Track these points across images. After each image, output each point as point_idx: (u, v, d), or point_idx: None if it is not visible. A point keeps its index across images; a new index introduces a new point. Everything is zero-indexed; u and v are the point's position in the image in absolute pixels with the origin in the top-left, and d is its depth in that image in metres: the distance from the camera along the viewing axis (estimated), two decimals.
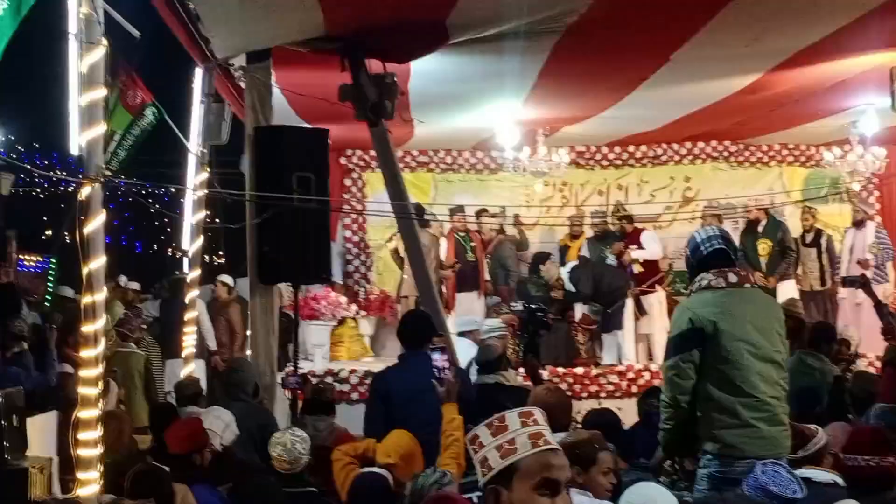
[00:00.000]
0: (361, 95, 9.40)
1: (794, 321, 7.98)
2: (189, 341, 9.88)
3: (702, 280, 5.37)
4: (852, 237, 14.40)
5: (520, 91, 11.33)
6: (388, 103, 9.44)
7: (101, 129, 5.87)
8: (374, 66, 9.58)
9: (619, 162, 16.02)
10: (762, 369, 5.22)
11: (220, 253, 23.01)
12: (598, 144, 15.71)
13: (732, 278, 5.33)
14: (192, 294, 9.93)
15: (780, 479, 4.31)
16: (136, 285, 14.06)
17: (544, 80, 10.71)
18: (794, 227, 14.77)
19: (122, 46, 7.86)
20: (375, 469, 5.78)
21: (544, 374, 10.93)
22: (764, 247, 13.90)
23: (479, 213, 14.77)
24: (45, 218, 20.23)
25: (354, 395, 11.96)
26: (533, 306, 8.80)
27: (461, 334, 10.43)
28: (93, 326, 5.73)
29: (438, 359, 6.44)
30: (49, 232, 19.25)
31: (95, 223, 5.76)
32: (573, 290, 12.92)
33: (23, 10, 4.87)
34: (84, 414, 5.65)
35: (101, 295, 5.78)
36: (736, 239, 12.89)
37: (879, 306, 10.00)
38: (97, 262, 5.77)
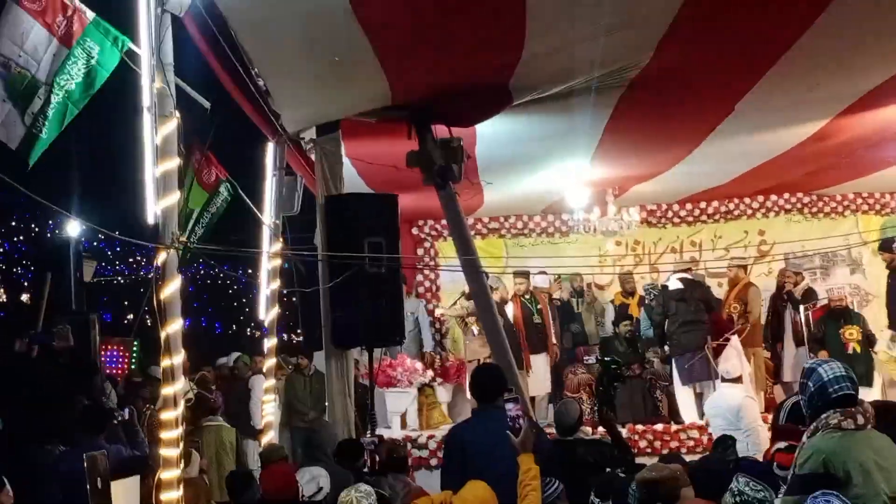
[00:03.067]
0: (429, 160, 9.59)
1: None
2: (269, 409, 10.00)
3: (829, 418, 5.26)
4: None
5: (586, 149, 11.41)
6: (454, 166, 9.61)
7: (175, 197, 6.08)
8: (441, 131, 9.78)
9: (690, 219, 15.99)
10: None
11: (298, 331, 23.20)
12: (668, 202, 15.72)
13: (860, 420, 5.24)
14: (269, 363, 10.08)
15: None
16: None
17: (609, 137, 10.79)
18: (876, 275, 14.55)
19: (195, 123, 8.13)
20: None
21: (623, 431, 10.83)
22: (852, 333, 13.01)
23: (517, 275, 14.65)
24: (126, 303, 20.73)
25: (433, 461, 11.94)
26: (607, 359, 8.72)
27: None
28: (171, 389, 5.88)
29: (512, 408, 6.45)
30: (131, 317, 19.66)
31: (172, 287, 5.93)
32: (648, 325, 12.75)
33: (96, 83, 5.10)
34: (166, 475, 5.76)
35: (178, 358, 5.94)
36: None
37: None
38: (174, 326, 5.94)
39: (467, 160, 9.77)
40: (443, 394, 14.62)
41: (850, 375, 5.30)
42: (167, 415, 5.86)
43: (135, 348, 14.38)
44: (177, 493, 5.72)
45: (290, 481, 6.29)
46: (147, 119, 6.01)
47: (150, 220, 6.08)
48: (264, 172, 10.13)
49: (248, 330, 22.14)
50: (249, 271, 21.32)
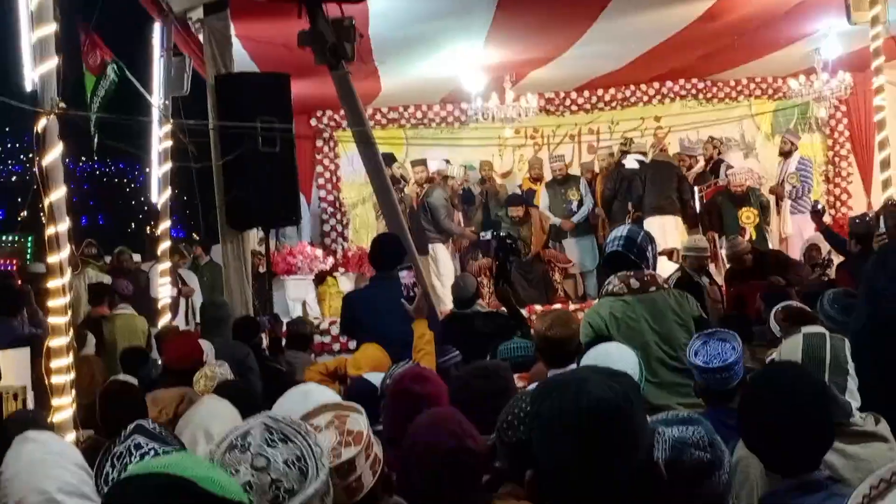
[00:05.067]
0: (320, 39, 9.45)
1: None
2: (163, 293, 9.94)
3: (609, 284, 5.47)
4: (780, 167, 14.61)
5: (480, 29, 11.34)
6: (347, 45, 9.48)
7: (53, 62, 5.91)
8: (332, 11, 9.62)
9: (588, 106, 16.08)
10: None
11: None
12: (566, 90, 15.77)
13: (635, 284, 5.41)
14: (164, 246, 9.98)
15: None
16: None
17: (501, 16, 10.74)
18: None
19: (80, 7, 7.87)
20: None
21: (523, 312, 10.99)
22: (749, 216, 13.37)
23: (415, 164, 14.73)
24: (18, 199, 20.26)
25: (336, 346, 12.01)
26: (502, 234, 8.83)
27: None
28: (57, 257, 5.79)
29: (406, 275, 6.54)
30: (25, 213, 19.21)
31: (53, 154, 5.81)
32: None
33: None
34: (55, 342, 5.71)
35: (63, 226, 5.84)
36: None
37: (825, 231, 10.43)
38: (58, 194, 5.83)
39: (360, 39, 9.64)
40: (345, 283, 14.67)
41: (629, 237, 5.48)
42: (54, 282, 5.78)
43: (29, 242, 14.14)
44: (67, 360, 5.67)
45: (195, 347, 6.26)
46: None
47: (28, 86, 5.92)
48: (151, 54, 9.89)
49: (148, 228, 21.80)
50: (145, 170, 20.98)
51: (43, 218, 5.81)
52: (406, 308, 6.33)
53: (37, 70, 5.87)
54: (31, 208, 18.32)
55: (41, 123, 5.78)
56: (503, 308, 8.85)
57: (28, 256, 13.95)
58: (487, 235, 9.95)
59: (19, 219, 19.53)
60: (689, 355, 4.42)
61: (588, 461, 1.75)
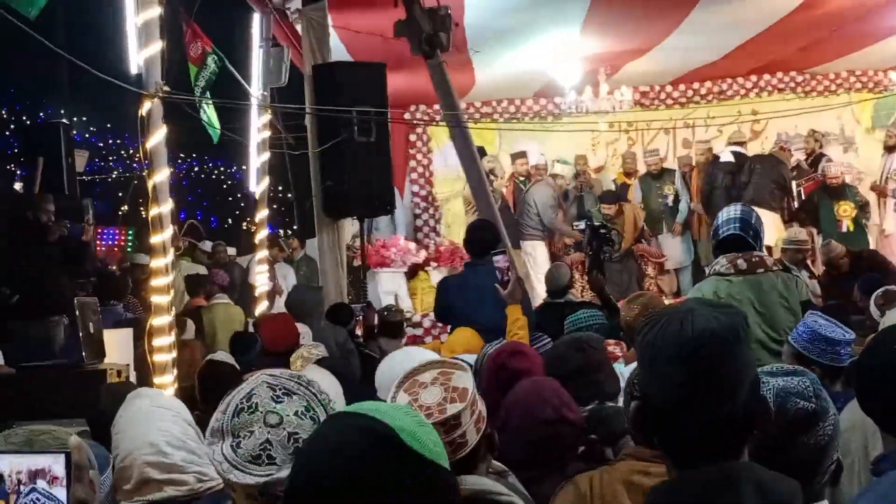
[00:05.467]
0: (416, 29, 9.50)
1: None
2: (261, 280, 10.11)
3: (715, 265, 5.38)
4: (884, 163, 13.98)
5: (577, 17, 11.25)
6: (442, 35, 9.51)
7: (157, 46, 6.04)
8: (428, 1, 9.69)
9: (683, 100, 15.86)
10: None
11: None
12: (661, 84, 15.60)
13: (743, 265, 5.31)
14: (261, 235, 10.15)
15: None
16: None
17: (597, 6, 10.69)
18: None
19: None
20: None
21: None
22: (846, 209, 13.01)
23: (515, 157, 14.67)
24: (119, 194, 20.76)
25: (428, 340, 12.04)
26: (596, 223, 8.78)
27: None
28: (160, 237, 5.92)
29: (500, 259, 6.52)
30: (125, 208, 19.72)
31: (157, 137, 5.94)
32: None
33: None
34: (157, 321, 5.84)
35: (167, 207, 5.97)
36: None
37: None
38: (161, 175, 5.95)
39: (455, 28, 9.67)
40: (437, 277, 14.70)
41: (743, 218, 5.37)
42: (157, 262, 5.91)
43: (130, 235, 14.45)
44: (170, 339, 5.79)
45: (291, 328, 6.36)
46: None
47: (133, 69, 6.06)
48: (250, 44, 10.05)
49: (243, 224, 22.18)
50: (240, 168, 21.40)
51: (142, 210, 5.94)
52: (500, 292, 6.31)
53: (141, 54, 6.01)
54: (132, 202, 18.74)
55: (146, 106, 5.92)
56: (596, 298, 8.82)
57: (129, 248, 14.25)
58: (581, 225, 9.88)
59: (120, 212, 20.08)
60: (806, 326, 4.36)
61: (690, 392, 1.73)
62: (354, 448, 1.49)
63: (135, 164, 20.25)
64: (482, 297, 6.70)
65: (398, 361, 3.36)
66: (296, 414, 2.03)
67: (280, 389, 2.07)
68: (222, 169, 25.06)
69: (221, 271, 11.56)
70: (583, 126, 14.89)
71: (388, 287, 13.21)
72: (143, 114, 5.92)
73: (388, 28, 9.73)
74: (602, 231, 8.77)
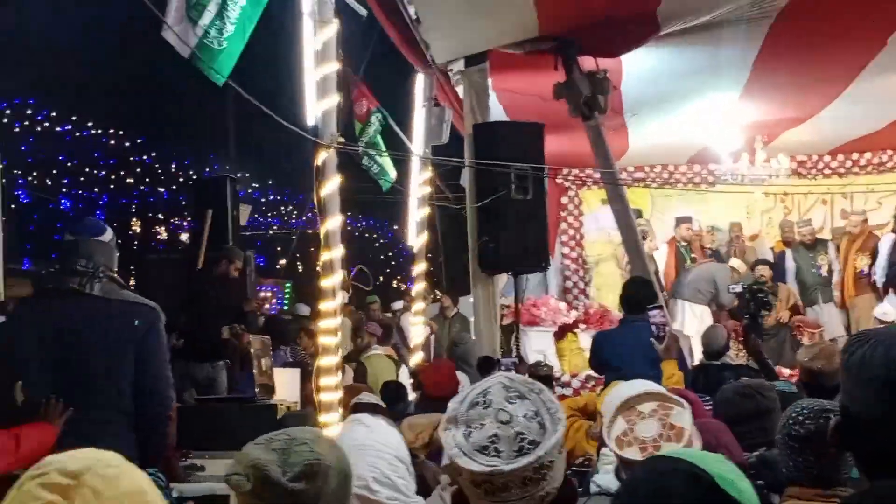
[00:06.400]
0: (575, 91, 9.72)
1: None
2: (416, 332, 10.34)
3: None
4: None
5: (735, 84, 11.25)
6: (601, 97, 9.70)
7: (334, 99, 6.36)
8: (587, 64, 9.88)
9: (842, 170, 15.56)
10: None
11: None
12: (819, 153, 15.35)
13: None
14: (419, 287, 10.41)
15: None
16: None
17: (759, 71, 10.65)
18: None
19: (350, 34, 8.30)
20: None
21: None
22: None
23: (680, 221, 14.64)
24: (278, 249, 21.49)
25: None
26: (754, 286, 8.72)
27: None
28: (330, 281, 6.18)
29: (657, 314, 6.56)
30: (283, 261, 20.43)
31: (331, 185, 6.23)
32: None
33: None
34: (324, 361, 6.07)
35: (337, 252, 6.22)
36: None
37: None
38: (334, 222, 6.23)
39: (613, 91, 9.83)
40: (585, 340, 14.70)
41: None
42: (326, 305, 6.16)
43: (287, 288, 14.95)
44: (336, 378, 6.01)
45: (453, 376, 6.53)
46: (307, 24, 6.31)
47: (311, 121, 6.38)
48: (412, 103, 10.40)
49: (395, 282, 22.67)
50: (395, 227, 21.91)
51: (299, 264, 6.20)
52: (656, 347, 6.34)
53: (319, 105, 6.32)
54: (290, 257, 19.31)
55: (321, 156, 6.22)
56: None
57: (286, 301, 14.75)
58: (738, 288, 9.79)
59: (278, 266, 20.77)
60: None
61: (890, 411, 1.81)
62: (675, 491, 1.59)
63: (292, 221, 20.96)
64: (636, 352, 6.76)
65: (621, 386, 3.45)
66: (525, 416, 2.15)
67: (514, 391, 2.19)
68: (374, 227, 25.74)
69: (374, 323, 11.86)
70: (736, 193, 14.79)
71: (537, 346, 13.28)
72: (319, 163, 6.22)
73: (546, 89, 9.95)
74: (760, 294, 8.69)
